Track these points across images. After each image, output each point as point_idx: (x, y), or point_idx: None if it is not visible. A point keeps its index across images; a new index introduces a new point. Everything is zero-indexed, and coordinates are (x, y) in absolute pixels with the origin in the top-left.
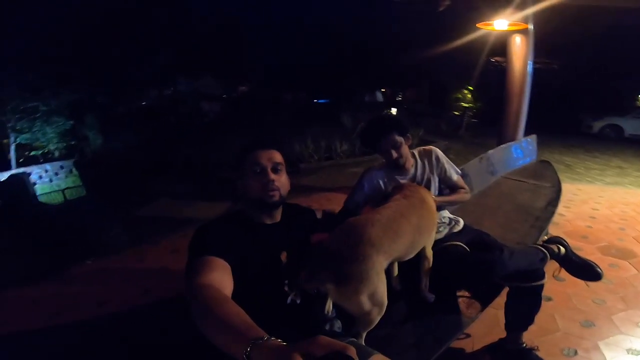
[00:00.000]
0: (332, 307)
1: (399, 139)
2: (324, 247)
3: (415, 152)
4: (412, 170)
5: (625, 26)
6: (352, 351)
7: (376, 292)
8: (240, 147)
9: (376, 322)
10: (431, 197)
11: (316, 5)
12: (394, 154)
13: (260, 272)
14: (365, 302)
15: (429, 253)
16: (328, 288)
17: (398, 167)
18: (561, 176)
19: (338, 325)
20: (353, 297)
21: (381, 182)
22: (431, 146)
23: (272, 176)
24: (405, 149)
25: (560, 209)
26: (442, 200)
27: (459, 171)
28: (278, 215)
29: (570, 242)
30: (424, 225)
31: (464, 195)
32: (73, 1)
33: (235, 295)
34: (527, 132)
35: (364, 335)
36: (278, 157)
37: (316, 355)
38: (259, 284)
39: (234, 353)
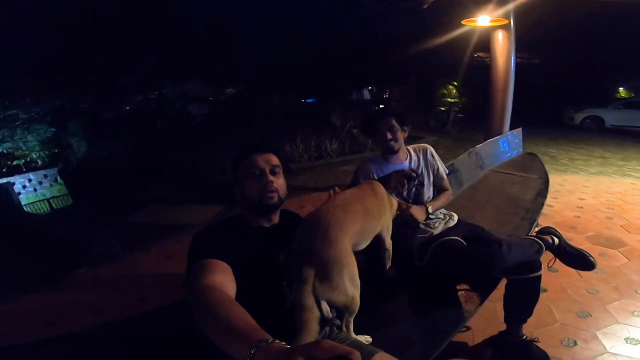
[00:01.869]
0: (331, 309)
1: (396, 124)
2: (296, 247)
3: (411, 148)
4: (406, 163)
5: (604, 18)
6: (357, 355)
7: (354, 273)
8: (236, 152)
9: (358, 304)
10: (382, 189)
11: (302, 5)
12: (389, 135)
13: (259, 274)
14: (349, 285)
15: (388, 244)
16: (314, 286)
17: (391, 152)
18: (547, 167)
19: (337, 323)
20: (338, 284)
21: (375, 174)
22: (426, 144)
23: (271, 177)
24: (400, 135)
25: (548, 200)
26: (435, 206)
27: (447, 171)
28: (276, 218)
29: (560, 232)
30: (374, 212)
31: (449, 198)
32: (55, 5)
33: (236, 298)
34: (513, 126)
35: (352, 321)
36: (275, 160)
37: (320, 359)
38: (258, 287)
39: (237, 355)
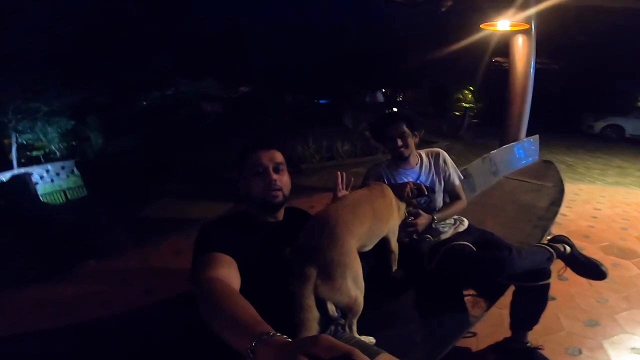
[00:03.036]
0: (337, 308)
1: (407, 130)
2: (302, 244)
3: (423, 152)
4: (417, 168)
5: (626, 27)
6: (358, 354)
7: (358, 275)
8: (241, 148)
9: (362, 306)
10: (391, 192)
11: (317, 6)
12: (399, 142)
13: (264, 269)
14: (352, 287)
15: (394, 246)
16: (316, 285)
17: (402, 158)
18: (563, 176)
19: (342, 322)
20: (341, 286)
21: (386, 178)
22: (439, 148)
23: (274, 176)
24: (410, 141)
25: (563, 209)
26: (442, 215)
27: (462, 177)
28: (281, 214)
29: (573, 241)
30: (382, 214)
31: (460, 206)
32: (75, 2)
33: (240, 292)
34: (529, 132)
35: (355, 322)
36: (279, 157)
37: (322, 358)
38: (263, 281)
39: (239, 347)
